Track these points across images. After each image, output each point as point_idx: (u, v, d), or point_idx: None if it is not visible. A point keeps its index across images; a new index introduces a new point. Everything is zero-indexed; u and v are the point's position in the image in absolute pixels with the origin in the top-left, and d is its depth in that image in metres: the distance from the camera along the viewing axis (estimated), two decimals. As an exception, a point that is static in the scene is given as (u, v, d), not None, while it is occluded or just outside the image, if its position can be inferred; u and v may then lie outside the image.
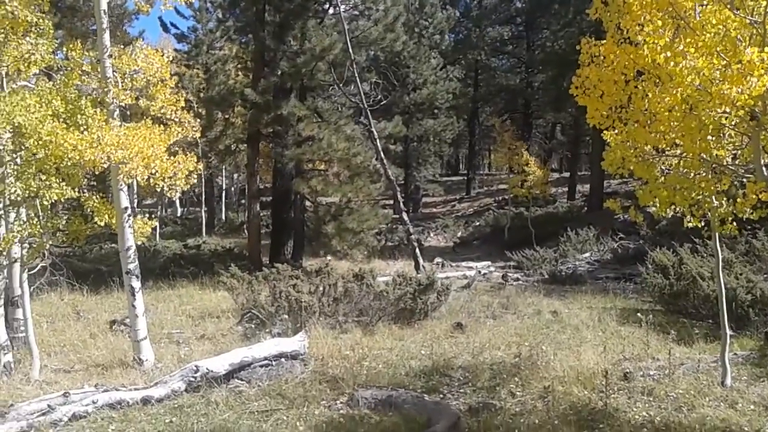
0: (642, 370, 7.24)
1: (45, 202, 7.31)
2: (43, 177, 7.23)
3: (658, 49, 5.09)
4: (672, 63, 4.94)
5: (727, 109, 5.03)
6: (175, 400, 6.74)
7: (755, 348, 8.27)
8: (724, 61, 4.77)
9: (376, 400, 6.61)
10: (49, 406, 6.13)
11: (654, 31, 5.20)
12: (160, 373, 7.65)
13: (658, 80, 5.56)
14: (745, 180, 5.88)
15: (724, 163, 6.06)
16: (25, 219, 7.73)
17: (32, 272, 8.31)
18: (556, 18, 35.68)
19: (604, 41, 5.93)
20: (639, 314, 8.93)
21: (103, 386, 6.73)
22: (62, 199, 7.42)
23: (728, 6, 4.98)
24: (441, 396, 6.95)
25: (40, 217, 7.65)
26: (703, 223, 6.61)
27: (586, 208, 27.59)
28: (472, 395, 6.89)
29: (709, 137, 5.56)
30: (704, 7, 5.19)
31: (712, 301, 9.55)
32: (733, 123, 5.50)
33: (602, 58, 5.89)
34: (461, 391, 7.07)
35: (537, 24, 39.31)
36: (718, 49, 4.88)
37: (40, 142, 6.90)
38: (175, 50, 27.06)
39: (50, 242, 8.02)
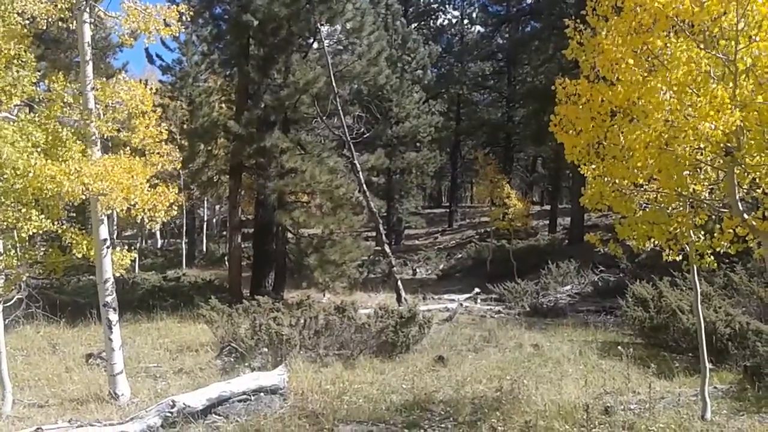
0: (623, 404, 7.21)
1: (23, 234, 7.23)
2: (22, 209, 7.16)
3: (631, 87, 5.21)
4: (645, 100, 5.05)
5: (702, 145, 5.14)
6: (151, 436, 6.60)
7: (735, 381, 8.29)
8: (697, 98, 4.89)
9: (356, 435, 6.52)
10: (20, 442, 5.98)
11: (626, 70, 5.32)
12: (136, 408, 7.51)
13: (633, 117, 5.67)
14: (721, 214, 5.97)
15: (701, 198, 6.16)
16: (1, 250, 7.62)
17: (8, 304, 8.17)
18: (536, 54, 36.37)
19: (581, 80, 6.04)
20: (620, 347, 8.94)
21: (77, 421, 6.58)
22: (40, 231, 7.34)
23: (700, 45, 5.12)
24: (422, 431, 6.87)
25: (18, 249, 7.55)
26: (681, 257, 6.68)
27: (567, 241, 27.79)
28: (454, 430, 6.83)
29: (685, 173, 5.66)
30: (675, 45, 5.32)
31: (691, 335, 9.60)
32: (708, 159, 5.61)
33: (578, 96, 6.00)
34: (442, 425, 7.00)
35: (518, 60, 40.10)
36: (691, 86, 5.00)
37: (18, 173, 6.84)
38: (160, 82, 27.13)
39: (27, 274, 7.91)
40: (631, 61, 5.35)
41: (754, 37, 4.85)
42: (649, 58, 5.42)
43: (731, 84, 4.84)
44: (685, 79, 4.96)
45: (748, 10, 4.77)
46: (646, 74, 5.35)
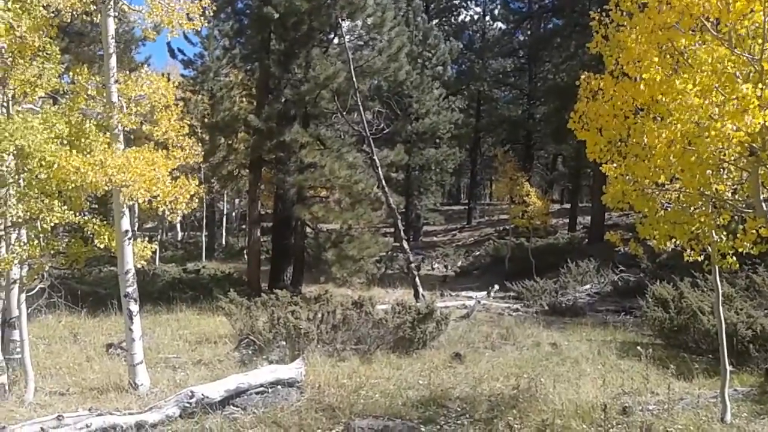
0: (641, 405, 7.16)
1: (46, 225, 7.33)
2: (46, 200, 7.26)
3: (656, 86, 5.14)
4: (670, 99, 4.98)
5: (725, 145, 5.07)
6: (170, 425, 6.67)
7: (755, 384, 8.19)
8: (722, 98, 4.82)
9: (372, 430, 6.54)
10: (42, 429, 6.07)
11: (649, 67, 5.25)
12: (155, 398, 7.59)
13: (657, 115, 5.61)
14: (744, 215, 5.89)
15: (724, 198, 6.08)
16: (25, 240, 7.74)
17: (30, 294, 8.30)
18: (558, 51, 36.09)
19: (604, 76, 5.99)
20: (639, 348, 8.85)
21: (97, 410, 6.67)
22: (63, 222, 7.44)
23: (725, 44, 5.05)
24: (438, 427, 6.87)
25: (41, 239, 7.66)
26: (703, 257, 6.60)
27: (586, 240, 27.56)
28: (470, 427, 6.81)
29: (708, 172, 5.59)
30: (701, 45, 5.26)
31: (712, 336, 9.49)
32: (732, 159, 5.53)
33: (602, 92, 5.94)
34: (458, 422, 6.99)
35: (539, 57, 39.80)
36: (716, 85, 4.93)
37: (43, 164, 6.95)
38: (182, 75, 27.37)
39: (50, 264, 8.02)
40: (655, 59, 5.28)
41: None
42: (674, 55, 5.35)
43: (759, 84, 4.75)
44: (710, 79, 4.90)
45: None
46: (670, 72, 5.28)
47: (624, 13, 5.70)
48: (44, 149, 6.87)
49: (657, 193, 6.27)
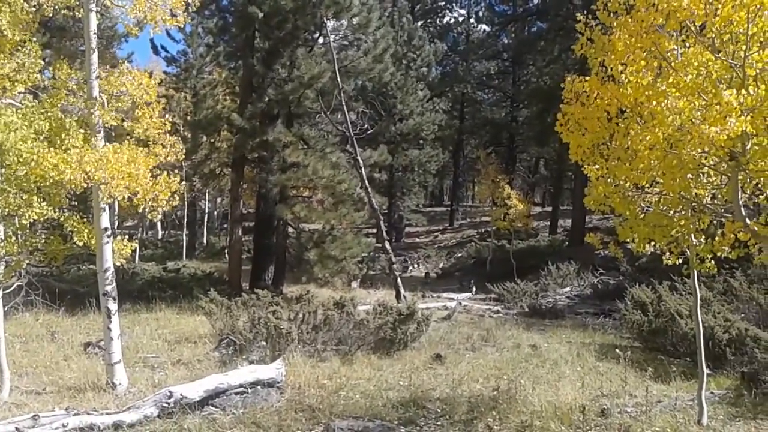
0: (619, 407, 7.22)
1: (24, 221, 7.23)
2: (24, 196, 7.15)
3: (640, 89, 5.19)
4: (654, 102, 5.03)
5: (707, 149, 5.13)
6: (148, 426, 6.60)
7: (732, 387, 8.29)
8: (705, 102, 4.87)
9: (352, 431, 6.53)
10: (17, 428, 5.97)
11: (636, 71, 5.30)
12: (133, 398, 7.52)
13: (640, 118, 5.65)
14: (723, 219, 5.96)
15: (704, 202, 6.14)
16: (2, 237, 7.62)
17: (7, 291, 8.17)
18: (541, 54, 36.33)
19: (588, 78, 6.02)
20: (617, 350, 8.94)
21: (74, 410, 6.58)
22: (42, 219, 7.34)
23: (709, 48, 5.11)
24: (418, 428, 6.87)
25: (19, 236, 7.54)
26: (681, 261, 6.67)
27: (567, 243, 27.76)
28: (449, 428, 6.83)
29: (689, 176, 5.65)
30: (687, 48, 5.32)
31: (689, 339, 9.60)
32: (712, 163, 5.60)
33: (586, 94, 5.97)
34: (438, 423, 7.00)
35: (523, 60, 40.07)
36: (699, 90, 4.98)
37: (20, 160, 6.84)
38: (165, 73, 27.15)
39: (27, 261, 7.90)
40: (641, 63, 5.32)
41: (765, 42, 4.85)
42: (658, 58, 5.39)
43: (741, 91, 4.80)
44: (695, 83, 4.95)
45: (759, 16, 4.75)
46: (654, 76, 5.33)
47: (611, 14, 5.73)
48: (21, 147, 6.75)
49: (638, 196, 6.32)
